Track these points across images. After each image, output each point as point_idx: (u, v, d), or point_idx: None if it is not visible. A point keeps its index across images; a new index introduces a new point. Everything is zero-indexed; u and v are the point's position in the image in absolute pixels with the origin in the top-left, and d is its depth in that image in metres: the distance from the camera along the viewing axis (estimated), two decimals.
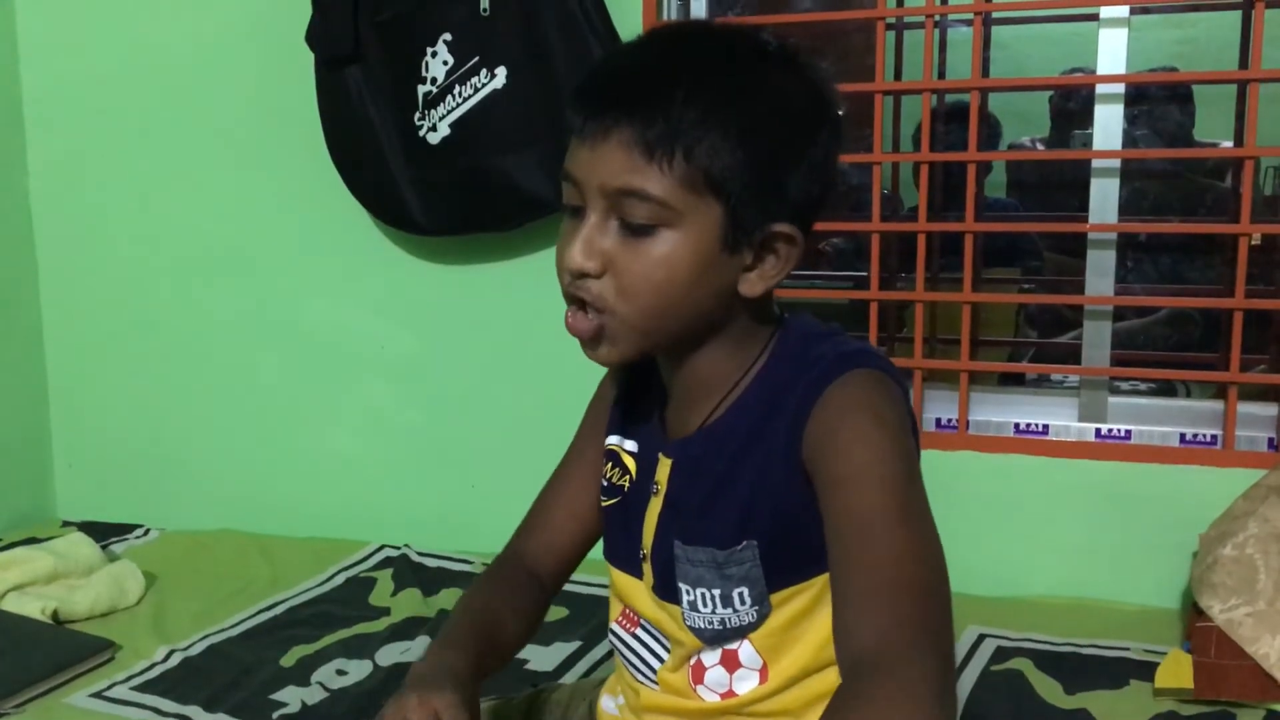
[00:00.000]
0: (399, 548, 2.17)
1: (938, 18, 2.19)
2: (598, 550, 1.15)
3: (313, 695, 1.60)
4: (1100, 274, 1.95)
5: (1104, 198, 1.92)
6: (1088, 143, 2.06)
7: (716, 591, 0.97)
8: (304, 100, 2.15)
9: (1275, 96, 1.87)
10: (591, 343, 0.95)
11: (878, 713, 0.75)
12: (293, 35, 2.11)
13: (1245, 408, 1.87)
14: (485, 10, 1.98)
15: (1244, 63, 2.09)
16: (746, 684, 0.99)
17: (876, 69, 1.97)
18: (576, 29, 1.95)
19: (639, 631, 1.06)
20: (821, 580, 0.94)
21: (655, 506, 1.02)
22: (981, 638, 1.74)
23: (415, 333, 2.25)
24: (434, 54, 2.02)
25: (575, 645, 1.74)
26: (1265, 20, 1.81)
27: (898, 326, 2.71)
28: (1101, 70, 1.90)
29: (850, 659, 0.82)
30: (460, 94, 2.02)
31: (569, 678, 1.62)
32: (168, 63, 2.30)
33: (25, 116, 2.42)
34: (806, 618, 0.96)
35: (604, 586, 1.12)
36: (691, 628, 0.99)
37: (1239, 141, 2.06)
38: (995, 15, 2.54)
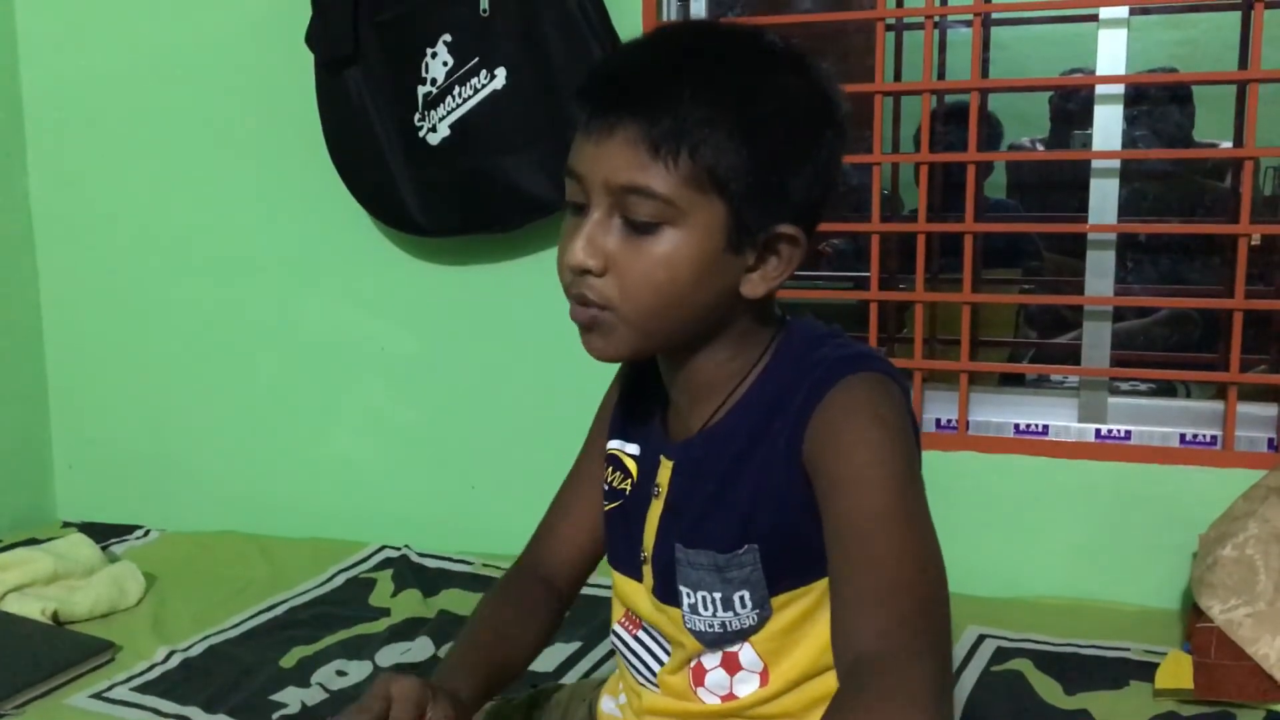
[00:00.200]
0: (399, 548, 2.17)
1: (937, 18, 2.19)
2: None
3: (313, 696, 1.60)
4: (1100, 274, 1.95)
5: (1104, 198, 1.92)
6: (1087, 143, 2.05)
7: (717, 595, 0.97)
8: (304, 101, 2.15)
9: (1275, 97, 1.86)
10: (590, 336, 0.94)
11: (876, 715, 0.75)
12: (293, 36, 2.11)
13: (1245, 408, 1.88)
14: (485, 11, 1.98)
15: (1243, 63, 2.09)
16: (747, 687, 0.99)
17: (876, 69, 1.97)
18: (576, 29, 1.95)
19: (641, 634, 1.06)
20: (822, 584, 0.94)
21: (656, 509, 1.02)
22: (981, 638, 1.74)
23: (415, 333, 2.25)
24: (434, 55, 2.02)
25: (575, 646, 1.74)
26: (1265, 20, 1.81)
27: (898, 327, 2.71)
28: (1101, 71, 1.90)
29: (849, 660, 0.82)
30: (460, 95, 2.02)
31: (569, 678, 1.62)
32: (168, 63, 2.30)
33: (25, 116, 2.42)
34: (807, 621, 0.96)
35: (604, 587, 1.12)
36: (692, 630, 0.99)
37: (1238, 142, 2.07)
38: (995, 16, 2.53)
